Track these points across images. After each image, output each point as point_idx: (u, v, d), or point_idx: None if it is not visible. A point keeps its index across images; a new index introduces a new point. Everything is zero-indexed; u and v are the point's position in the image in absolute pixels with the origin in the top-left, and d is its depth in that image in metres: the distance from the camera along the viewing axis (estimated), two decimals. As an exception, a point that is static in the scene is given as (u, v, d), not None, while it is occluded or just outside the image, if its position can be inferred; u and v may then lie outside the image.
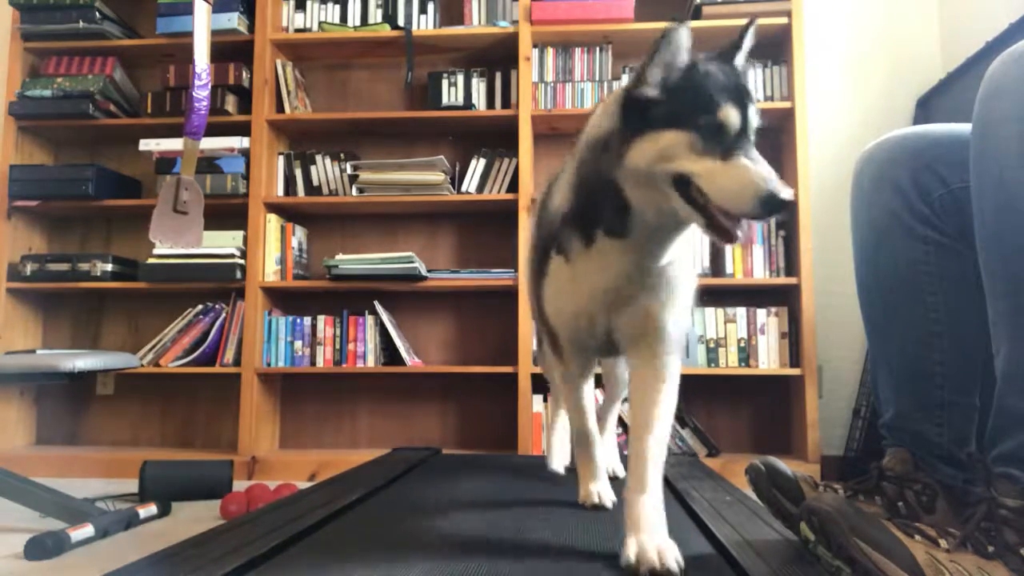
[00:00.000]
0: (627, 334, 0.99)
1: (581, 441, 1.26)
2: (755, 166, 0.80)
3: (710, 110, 0.81)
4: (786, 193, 0.77)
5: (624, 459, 1.33)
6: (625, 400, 1.31)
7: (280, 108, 2.87)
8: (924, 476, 1.07)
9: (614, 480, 1.37)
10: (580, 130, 1.01)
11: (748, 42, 0.92)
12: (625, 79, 2.75)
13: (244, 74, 2.83)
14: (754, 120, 0.84)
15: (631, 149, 0.85)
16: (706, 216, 0.82)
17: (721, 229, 0.82)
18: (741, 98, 0.83)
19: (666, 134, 0.83)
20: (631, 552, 0.86)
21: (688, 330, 2.59)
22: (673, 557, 0.85)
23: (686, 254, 0.99)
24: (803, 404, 2.51)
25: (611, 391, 1.58)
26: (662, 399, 0.97)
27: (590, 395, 1.23)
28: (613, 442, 1.64)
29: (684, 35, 0.85)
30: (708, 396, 2.74)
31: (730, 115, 0.81)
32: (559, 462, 1.59)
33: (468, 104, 2.79)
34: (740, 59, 0.91)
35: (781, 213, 0.80)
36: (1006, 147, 0.88)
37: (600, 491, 1.23)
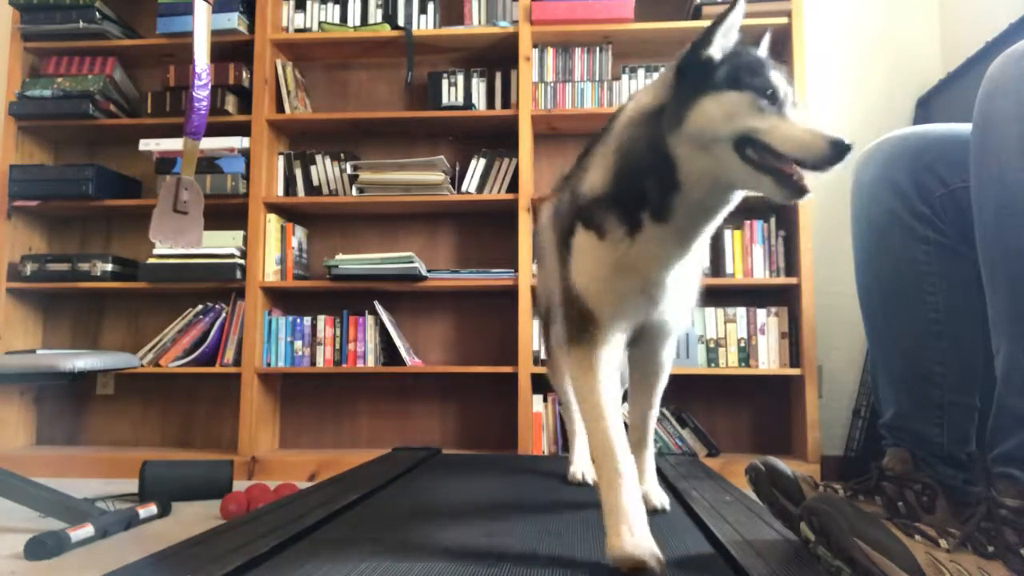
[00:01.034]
0: (646, 325, 1.04)
1: (609, 472, 0.92)
2: (813, 122, 0.86)
3: (765, 74, 0.87)
4: (849, 139, 0.82)
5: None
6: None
7: (280, 108, 2.87)
8: (924, 476, 1.07)
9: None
10: (610, 120, 1.02)
11: (763, 48, 0.98)
12: (625, 79, 2.75)
13: (244, 74, 2.83)
14: (792, 93, 0.90)
15: (693, 111, 0.87)
16: (774, 174, 0.85)
17: (791, 182, 0.85)
18: (781, 70, 0.91)
19: (729, 94, 0.87)
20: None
21: (686, 330, 2.59)
22: (660, 499, 1.21)
23: (702, 256, 1.05)
24: (803, 404, 2.51)
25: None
26: (660, 384, 1.19)
27: (617, 401, 0.99)
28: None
29: (741, 9, 0.92)
30: (708, 396, 2.74)
31: (780, 80, 0.88)
32: (585, 470, 1.50)
33: (468, 104, 2.79)
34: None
35: (847, 158, 0.83)
36: (1006, 147, 0.88)
37: (645, 550, 0.85)
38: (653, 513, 1.14)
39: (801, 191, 0.85)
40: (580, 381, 0.98)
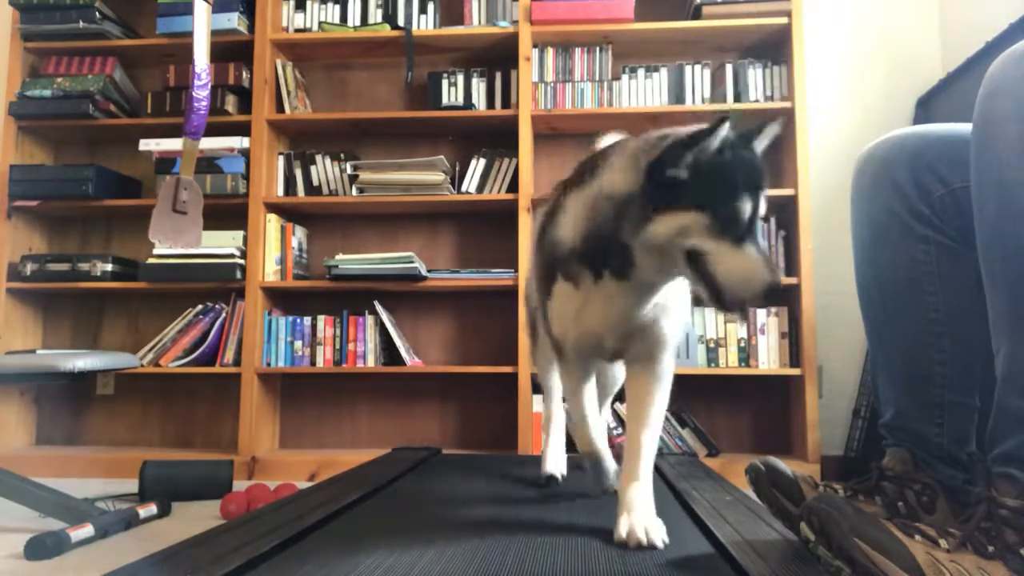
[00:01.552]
0: (632, 348, 1.08)
1: (590, 453, 1.28)
2: (760, 256, 0.87)
3: (730, 199, 0.87)
4: (780, 279, 0.86)
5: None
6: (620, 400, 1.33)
7: (280, 108, 2.87)
8: (924, 476, 1.07)
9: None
10: (592, 165, 1.03)
11: (770, 134, 0.95)
12: (625, 79, 2.75)
13: (244, 74, 2.83)
14: (763, 209, 0.90)
15: (653, 222, 0.89)
16: (713, 290, 0.89)
17: (729, 304, 0.89)
18: (756, 188, 0.88)
19: (688, 213, 0.88)
20: (623, 529, 1.00)
21: (685, 330, 2.59)
22: (658, 535, 0.98)
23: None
24: (803, 404, 2.51)
25: (603, 387, 1.57)
26: (656, 398, 1.08)
27: (592, 402, 1.24)
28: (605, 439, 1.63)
29: (726, 130, 0.88)
30: (708, 396, 2.74)
31: (746, 206, 0.87)
32: (554, 466, 1.52)
33: (468, 104, 2.79)
34: (760, 146, 0.95)
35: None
36: (1007, 147, 0.88)
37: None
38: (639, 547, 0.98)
39: (735, 311, 0.90)
40: (566, 387, 1.24)
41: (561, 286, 1.05)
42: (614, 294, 0.99)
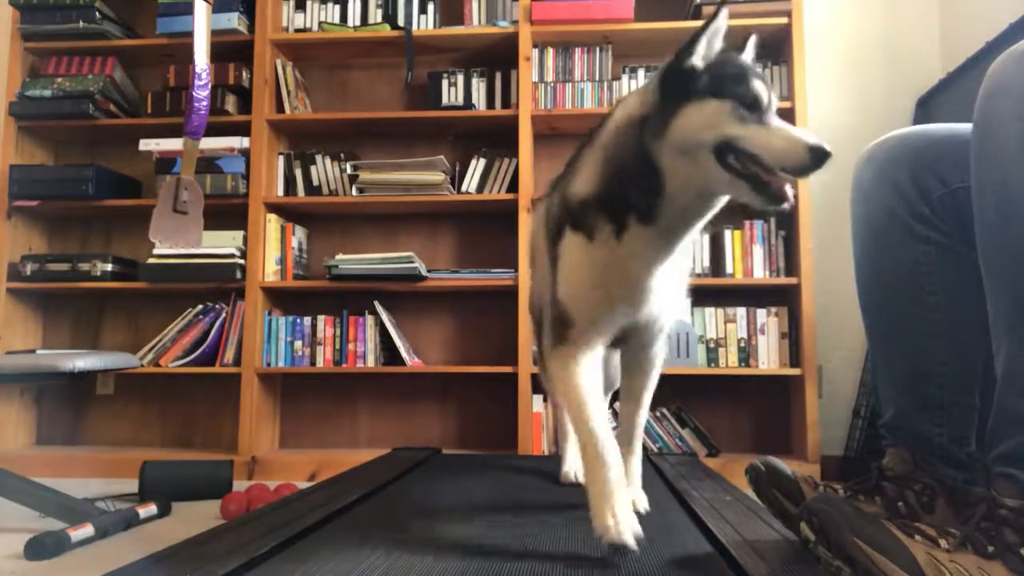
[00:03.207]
0: (635, 326, 1.06)
1: (592, 457, 0.99)
2: (793, 128, 0.87)
3: (747, 83, 0.88)
4: (829, 146, 0.83)
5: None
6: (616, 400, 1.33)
7: (280, 108, 2.87)
8: (924, 476, 1.07)
9: None
10: (600, 124, 1.04)
11: (749, 51, 0.99)
12: (625, 79, 2.75)
13: (244, 74, 2.84)
14: (775, 99, 0.92)
15: (676, 119, 0.89)
16: (754, 181, 0.87)
17: (771, 190, 0.87)
18: (765, 78, 0.92)
19: (710, 102, 0.88)
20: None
21: (686, 330, 2.59)
22: (643, 503, 1.16)
23: (686, 249, 1.05)
24: (803, 404, 2.51)
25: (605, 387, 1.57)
26: (650, 383, 1.18)
27: (600, 395, 1.03)
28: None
29: (724, 16, 0.92)
30: (708, 396, 2.74)
31: (762, 88, 0.89)
32: (579, 470, 1.44)
33: (468, 104, 2.79)
34: (747, 57, 0.99)
35: (826, 165, 0.84)
36: (1007, 146, 0.88)
37: (623, 525, 0.93)
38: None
39: (779, 199, 0.88)
40: (563, 379, 1.02)
41: (572, 240, 1.00)
42: (640, 243, 0.95)
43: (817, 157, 0.83)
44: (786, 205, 0.88)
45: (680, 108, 0.89)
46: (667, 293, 1.03)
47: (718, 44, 0.93)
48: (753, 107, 0.88)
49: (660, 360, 1.17)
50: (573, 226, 1.00)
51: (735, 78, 0.89)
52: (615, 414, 1.33)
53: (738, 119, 0.87)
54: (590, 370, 1.02)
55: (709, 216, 0.96)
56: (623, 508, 0.93)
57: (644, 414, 1.20)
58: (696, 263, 2.64)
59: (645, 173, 0.92)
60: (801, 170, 0.86)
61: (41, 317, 2.99)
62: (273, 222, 2.78)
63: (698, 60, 0.91)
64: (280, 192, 2.84)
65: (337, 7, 2.87)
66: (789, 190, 0.88)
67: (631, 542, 0.90)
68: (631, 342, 1.12)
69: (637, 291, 0.99)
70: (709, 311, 2.62)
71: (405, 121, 2.83)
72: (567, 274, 1.02)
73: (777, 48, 2.72)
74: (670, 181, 0.91)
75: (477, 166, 2.77)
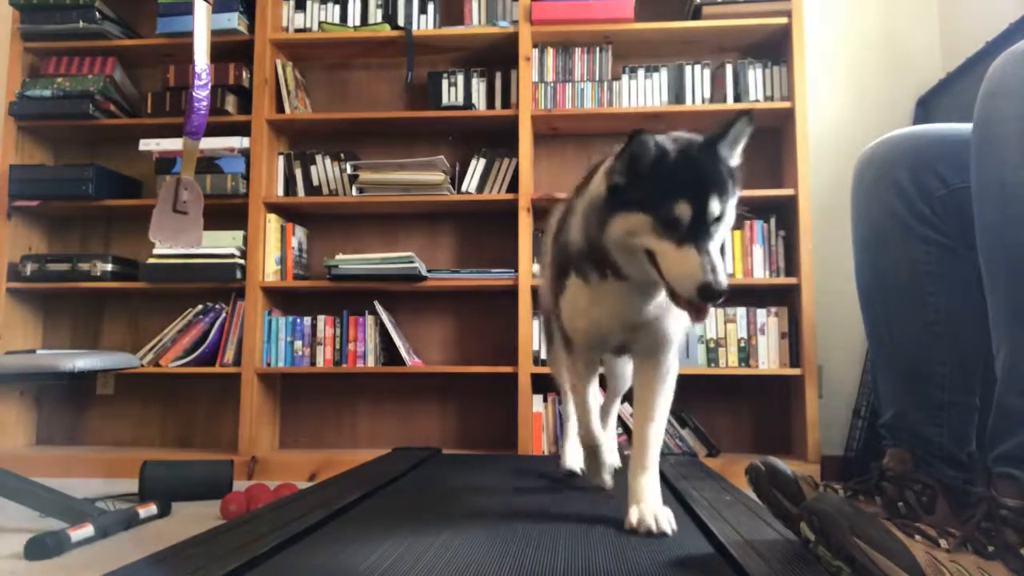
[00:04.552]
0: (636, 343, 1.16)
1: (589, 441, 1.33)
2: (699, 256, 0.91)
3: (666, 203, 0.93)
4: (722, 285, 0.90)
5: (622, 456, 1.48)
6: (626, 399, 1.37)
7: (280, 108, 2.87)
8: (924, 476, 1.07)
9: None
10: (595, 168, 1.11)
11: (735, 134, 0.99)
12: (625, 79, 2.75)
13: (244, 74, 2.83)
14: (715, 211, 0.94)
15: (609, 224, 0.99)
16: (667, 287, 0.96)
17: (679, 304, 0.96)
18: (702, 192, 0.93)
19: (633, 216, 0.96)
20: (633, 517, 1.07)
21: (687, 330, 2.59)
22: (667, 521, 1.06)
23: None
24: (803, 404, 2.51)
25: (613, 387, 1.62)
26: (662, 394, 1.16)
27: (595, 395, 1.31)
28: (613, 438, 1.71)
29: (648, 142, 0.95)
30: (708, 396, 2.73)
31: (683, 210, 0.92)
32: (573, 461, 1.61)
33: (468, 104, 2.79)
34: (724, 147, 0.98)
35: (717, 302, 0.91)
36: (1007, 146, 0.88)
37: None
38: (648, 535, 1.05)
39: (696, 312, 0.95)
40: (571, 381, 1.31)
41: (573, 281, 1.14)
42: (618, 291, 1.07)
43: (703, 293, 0.90)
44: (700, 318, 0.95)
45: (613, 214, 0.98)
46: (664, 312, 1.10)
47: (646, 162, 0.95)
48: (670, 227, 0.93)
49: (671, 374, 1.16)
50: (575, 272, 1.13)
51: (659, 196, 0.93)
52: (620, 422, 1.44)
53: (656, 235, 0.94)
54: (591, 379, 1.29)
55: None
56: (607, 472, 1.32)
57: (656, 429, 1.14)
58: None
59: (602, 249, 1.02)
60: (689, 299, 0.92)
61: (41, 317, 2.99)
62: (273, 222, 2.78)
63: (619, 178, 0.97)
64: (280, 192, 2.84)
65: (337, 7, 2.87)
66: (701, 313, 0.94)
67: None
68: (635, 349, 1.19)
69: (627, 320, 1.11)
70: (709, 312, 2.62)
71: (405, 121, 2.83)
72: (567, 307, 1.18)
73: (777, 48, 2.72)
74: (618, 260, 1.01)
75: (477, 166, 2.77)
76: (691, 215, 0.92)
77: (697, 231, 0.92)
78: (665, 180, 0.94)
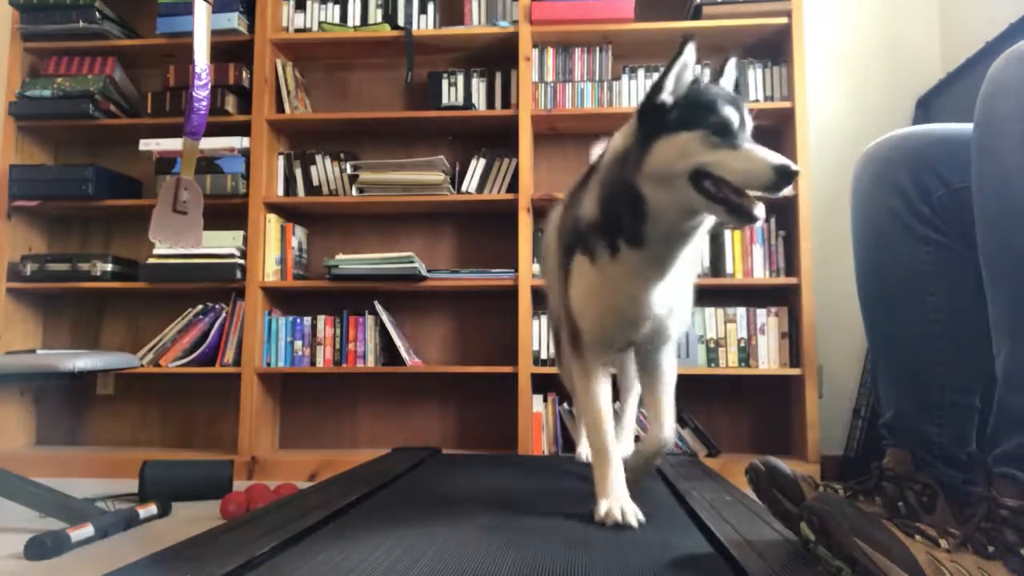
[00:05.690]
0: (642, 334, 1.17)
1: (599, 453, 1.19)
2: (759, 148, 0.96)
3: (715, 111, 0.97)
4: (795, 165, 0.93)
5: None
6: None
7: (280, 108, 2.87)
8: (924, 476, 1.07)
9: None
10: (603, 153, 1.14)
11: (729, 74, 1.09)
12: (625, 79, 2.75)
13: (244, 74, 2.83)
14: (749, 120, 1.01)
15: (650, 153, 0.99)
16: (725, 203, 0.96)
17: (742, 210, 0.96)
18: (736, 102, 1.00)
19: (681, 135, 0.98)
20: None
21: (687, 328, 2.59)
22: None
23: (691, 262, 1.16)
24: (803, 404, 2.51)
25: (624, 383, 1.63)
26: (664, 387, 1.24)
27: (607, 399, 1.22)
28: (630, 435, 1.71)
29: (691, 50, 1.01)
30: (708, 396, 2.73)
31: (731, 114, 0.98)
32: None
33: (468, 104, 2.79)
34: (724, 83, 1.09)
35: (792, 183, 0.96)
36: (1008, 146, 0.88)
37: (623, 508, 1.12)
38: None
39: (749, 218, 0.97)
40: (579, 381, 1.23)
41: (579, 261, 1.14)
42: (631, 268, 1.08)
43: (782, 175, 0.92)
44: (757, 222, 0.96)
45: (655, 142, 0.99)
46: (670, 305, 1.13)
47: (689, 75, 1.02)
48: (722, 133, 0.97)
49: (671, 365, 1.25)
50: (581, 248, 1.13)
51: (704, 108, 0.98)
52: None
53: (709, 146, 0.96)
54: (600, 378, 1.22)
55: (695, 238, 1.07)
56: (621, 494, 1.15)
57: (669, 395, 1.26)
58: (698, 265, 2.64)
59: (630, 201, 1.02)
60: (768, 188, 0.94)
61: (41, 317, 2.99)
62: (273, 222, 2.78)
63: (667, 96, 1.01)
64: (280, 192, 2.84)
65: (337, 7, 2.87)
66: (760, 207, 0.97)
67: (632, 521, 1.08)
68: (640, 347, 1.22)
69: (636, 306, 1.11)
70: (709, 311, 2.62)
71: (405, 121, 2.83)
72: (575, 291, 1.17)
73: (777, 48, 2.72)
74: (652, 207, 1.01)
75: (477, 166, 2.77)
76: (738, 120, 0.98)
77: (744, 135, 0.98)
78: (704, 95, 0.99)
